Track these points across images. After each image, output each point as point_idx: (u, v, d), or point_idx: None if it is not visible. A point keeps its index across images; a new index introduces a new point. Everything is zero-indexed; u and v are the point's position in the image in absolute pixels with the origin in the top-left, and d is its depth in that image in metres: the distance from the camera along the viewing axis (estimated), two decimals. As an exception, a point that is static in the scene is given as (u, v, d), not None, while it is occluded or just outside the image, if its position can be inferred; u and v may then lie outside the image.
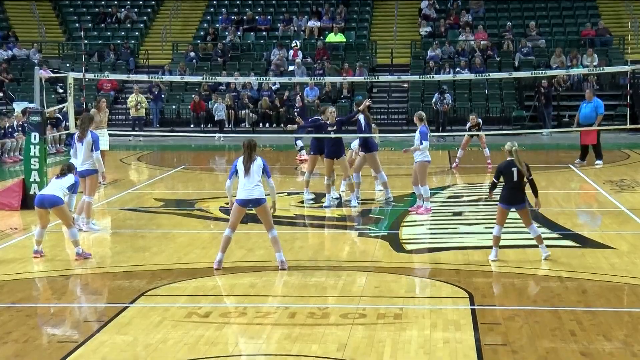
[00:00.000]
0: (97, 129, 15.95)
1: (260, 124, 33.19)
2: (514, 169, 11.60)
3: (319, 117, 16.90)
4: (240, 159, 11.43)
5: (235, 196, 11.42)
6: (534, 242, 12.86)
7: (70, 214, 12.43)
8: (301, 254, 12.57)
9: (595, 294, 10.19)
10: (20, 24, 40.64)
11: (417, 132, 15.47)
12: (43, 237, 12.27)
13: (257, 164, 11.33)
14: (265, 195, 11.49)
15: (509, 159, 11.68)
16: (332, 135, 16.16)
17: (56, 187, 12.16)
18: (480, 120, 22.61)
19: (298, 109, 24.13)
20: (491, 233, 12.00)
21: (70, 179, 12.28)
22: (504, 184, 11.74)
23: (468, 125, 22.38)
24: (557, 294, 10.18)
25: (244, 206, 11.43)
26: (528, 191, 11.84)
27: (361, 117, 16.54)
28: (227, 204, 12.24)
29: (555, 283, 10.66)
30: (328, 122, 16.36)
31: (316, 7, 39.37)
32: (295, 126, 17.33)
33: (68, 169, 12.50)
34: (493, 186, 11.95)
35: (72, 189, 12.28)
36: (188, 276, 11.18)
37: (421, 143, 15.28)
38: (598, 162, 22.43)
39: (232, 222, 11.49)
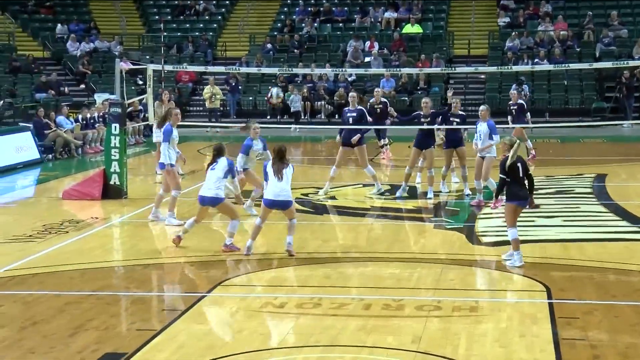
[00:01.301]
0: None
1: (336, 116, 33.15)
2: (519, 164, 10.98)
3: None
4: (270, 163, 11.69)
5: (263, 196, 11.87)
6: (613, 236, 12.68)
7: (233, 207, 12.35)
8: (376, 246, 12.55)
9: (677, 290, 9.97)
10: (102, 17, 41.39)
11: (485, 125, 15.18)
12: (192, 228, 12.37)
13: (289, 169, 11.63)
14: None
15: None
16: (425, 126, 16.23)
17: (213, 184, 11.94)
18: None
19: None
20: (570, 226, 11.74)
21: (222, 163, 12.04)
22: (509, 181, 10.99)
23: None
24: (637, 289, 9.99)
25: (270, 207, 11.74)
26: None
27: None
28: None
29: (636, 278, 10.45)
30: (422, 113, 16.36)
31: (393, -1, 39.18)
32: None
33: (218, 152, 12.23)
34: (502, 184, 11.02)
35: (231, 172, 12.17)
36: (264, 267, 11.26)
37: (491, 138, 15.09)
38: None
39: (262, 216, 11.89)
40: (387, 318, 8.97)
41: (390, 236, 13.34)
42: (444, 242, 12.79)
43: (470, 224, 13.97)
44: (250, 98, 34.91)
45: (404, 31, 36.97)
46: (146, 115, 22.10)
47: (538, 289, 10.03)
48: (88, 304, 9.57)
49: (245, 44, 38.49)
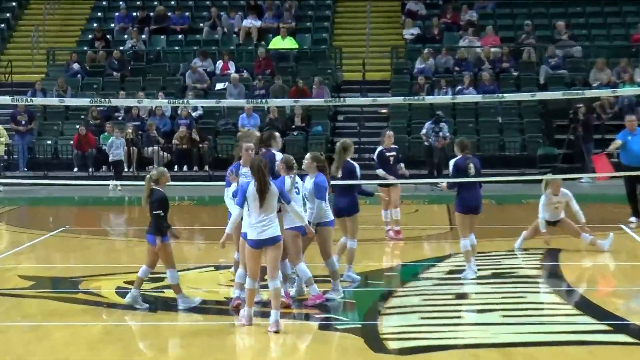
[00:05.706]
0: None
1: (176, 167, 32.91)
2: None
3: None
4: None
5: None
6: (572, 338, 12.97)
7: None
8: None
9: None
10: None
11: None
12: None
13: (273, 191, 12.89)
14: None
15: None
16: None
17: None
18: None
19: None
20: (512, 324, 11.83)
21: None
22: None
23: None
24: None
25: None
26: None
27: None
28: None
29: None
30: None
31: (255, 0, 39.39)
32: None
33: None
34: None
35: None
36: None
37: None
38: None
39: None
40: None
41: (255, 345, 13.16)
42: (333, 349, 12.74)
43: (372, 322, 13.96)
44: (49, 142, 34.43)
45: (271, 46, 37.25)
46: None
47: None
48: None
49: (41, 63, 38.12)
